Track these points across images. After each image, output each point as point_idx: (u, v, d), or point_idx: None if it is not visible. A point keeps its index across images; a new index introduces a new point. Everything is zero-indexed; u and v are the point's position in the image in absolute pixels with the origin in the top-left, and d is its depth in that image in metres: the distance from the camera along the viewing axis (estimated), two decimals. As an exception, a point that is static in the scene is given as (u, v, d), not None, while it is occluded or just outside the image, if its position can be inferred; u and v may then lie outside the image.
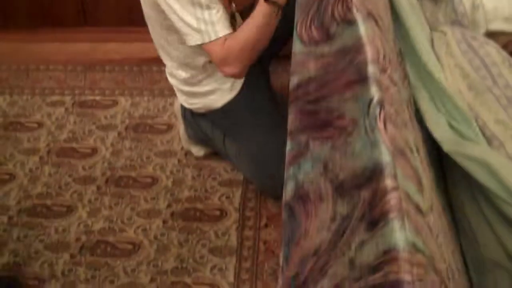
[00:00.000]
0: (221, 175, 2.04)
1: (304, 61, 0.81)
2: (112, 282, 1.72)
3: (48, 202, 1.98)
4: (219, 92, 1.86)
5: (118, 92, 2.44)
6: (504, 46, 1.49)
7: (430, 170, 1.10)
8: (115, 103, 2.38)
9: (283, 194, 0.68)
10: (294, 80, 0.79)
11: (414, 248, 0.54)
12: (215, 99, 1.87)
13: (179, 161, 2.10)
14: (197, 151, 2.10)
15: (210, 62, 1.77)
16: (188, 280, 1.72)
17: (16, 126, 2.29)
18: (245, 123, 1.86)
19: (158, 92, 2.42)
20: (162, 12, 1.64)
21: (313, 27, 0.84)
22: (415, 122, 1.10)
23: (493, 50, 1.49)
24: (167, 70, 1.95)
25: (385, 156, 0.61)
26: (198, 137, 2.04)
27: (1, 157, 2.15)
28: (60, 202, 1.98)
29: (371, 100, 0.68)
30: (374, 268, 0.52)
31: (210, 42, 1.59)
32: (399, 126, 0.71)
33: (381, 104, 0.68)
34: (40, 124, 2.30)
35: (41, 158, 2.15)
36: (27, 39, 2.66)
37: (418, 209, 0.62)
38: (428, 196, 0.71)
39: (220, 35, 1.58)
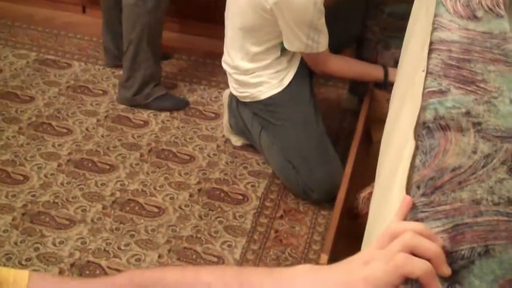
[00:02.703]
0: (252, 165, 2.19)
1: (446, 24, 0.93)
2: (132, 236, 1.91)
3: (95, 158, 2.20)
4: (267, 85, 2.04)
5: (180, 78, 2.66)
6: None
7: None
8: (174, 86, 2.59)
9: (420, 118, 0.75)
10: (437, 35, 0.91)
11: None
12: (262, 91, 2.04)
13: (217, 146, 2.28)
14: (236, 140, 2.27)
15: (275, 59, 1.98)
16: (199, 248, 1.88)
17: (83, 90, 2.54)
18: (282, 118, 2.02)
19: (215, 83, 2.62)
20: (271, 21, 1.86)
21: (459, 4, 0.98)
22: None
23: None
24: (227, 60, 2.13)
25: None
26: (238, 127, 2.21)
27: (64, 113, 2.40)
28: (105, 160, 2.19)
29: None
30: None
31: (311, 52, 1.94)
32: None
33: None
34: (104, 92, 2.54)
35: (98, 120, 2.38)
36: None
37: None
38: None
39: (320, 51, 1.93)
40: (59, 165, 2.16)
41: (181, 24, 2.90)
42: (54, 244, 1.87)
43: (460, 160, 0.67)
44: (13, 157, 2.18)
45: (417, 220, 0.60)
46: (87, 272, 1.79)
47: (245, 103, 2.14)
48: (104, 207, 2.00)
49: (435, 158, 0.67)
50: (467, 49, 0.86)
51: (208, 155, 2.24)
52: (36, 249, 1.85)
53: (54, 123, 2.35)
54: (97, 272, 1.79)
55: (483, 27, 0.91)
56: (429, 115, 0.73)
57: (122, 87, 2.44)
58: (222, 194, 2.08)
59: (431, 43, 0.87)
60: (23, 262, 1.81)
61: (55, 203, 2.01)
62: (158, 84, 2.45)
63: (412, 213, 0.61)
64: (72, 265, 1.81)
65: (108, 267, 1.81)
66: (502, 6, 0.95)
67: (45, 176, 2.11)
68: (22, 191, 2.05)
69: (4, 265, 1.79)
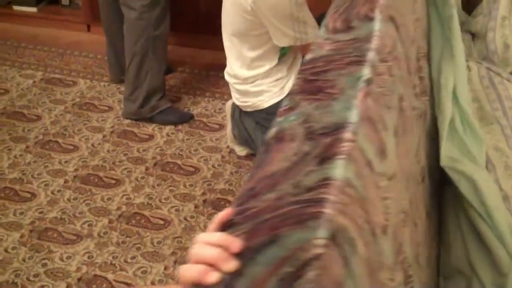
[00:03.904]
0: (257, 175, 2.20)
1: (323, 44, 0.95)
2: (138, 249, 1.92)
3: (101, 173, 2.22)
4: (268, 94, 2.05)
5: (183, 90, 2.68)
6: None
7: (426, 180, 1.23)
8: (178, 99, 2.61)
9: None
10: (308, 56, 0.92)
11: (347, 183, 0.67)
12: (263, 100, 2.06)
13: (222, 157, 2.29)
14: (240, 150, 2.28)
15: (273, 67, 1.99)
16: (204, 259, 1.88)
17: (89, 107, 2.57)
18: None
19: (219, 95, 2.63)
20: (255, 23, 1.87)
21: (339, 20, 0.99)
22: (422, 134, 1.22)
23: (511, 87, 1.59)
24: (228, 70, 2.15)
25: (354, 117, 0.75)
26: (242, 137, 2.22)
27: (70, 130, 2.43)
28: (111, 175, 2.21)
29: (361, 77, 0.83)
30: (311, 189, 0.65)
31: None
32: (381, 105, 0.85)
33: (368, 82, 0.83)
34: (110, 108, 2.57)
35: (104, 136, 2.40)
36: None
37: (369, 165, 0.75)
38: (390, 166, 0.83)
39: (310, 41, 1.91)
40: (66, 181, 2.18)
41: (183, 37, 2.93)
42: (62, 259, 1.88)
43: (281, 165, 0.69)
44: (21, 175, 2.21)
45: (224, 228, 0.63)
46: (94, 286, 1.80)
47: (247, 113, 2.15)
48: (110, 221, 2.02)
49: (261, 169, 0.69)
50: (330, 60, 0.88)
51: (213, 166, 2.25)
52: (44, 265, 1.87)
53: (60, 141, 2.38)
54: (104, 285, 1.80)
55: (352, 35, 0.93)
56: (271, 133, 0.75)
57: (127, 101, 2.46)
58: (227, 205, 2.08)
59: (301, 66, 0.90)
60: (31, 278, 1.82)
61: (62, 219, 2.03)
62: (163, 96, 2.47)
63: (228, 223, 0.64)
64: (79, 279, 1.82)
65: (115, 280, 1.82)
66: (376, 10, 0.96)
67: (52, 192, 2.13)
68: (30, 208, 2.07)
69: (13, 282, 1.81)
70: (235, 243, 0.60)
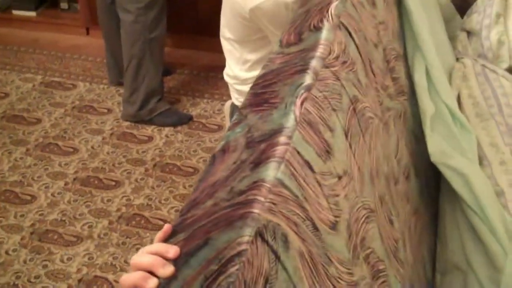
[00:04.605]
0: (256, 175, 2.21)
1: (275, 58, 0.97)
2: (138, 249, 1.92)
3: (101, 175, 2.23)
4: None
5: (182, 92, 2.69)
6: None
7: (412, 177, 1.23)
8: (177, 100, 2.63)
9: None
10: (261, 72, 0.95)
11: (280, 183, 0.70)
12: None
13: (221, 157, 2.30)
14: (239, 151, 2.29)
15: None
16: (204, 259, 1.89)
17: (89, 110, 2.59)
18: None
19: (218, 96, 2.64)
20: (254, 28, 1.88)
21: (293, 34, 1.01)
22: (403, 133, 1.23)
23: (507, 83, 1.59)
24: (227, 71, 2.16)
25: (289, 122, 0.78)
26: (240, 138, 2.23)
27: (70, 133, 2.44)
28: (111, 177, 2.22)
29: (300, 84, 0.86)
30: (243, 192, 0.68)
31: None
32: (323, 108, 0.86)
33: (308, 88, 0.85)
34: (109, 110, 2.58)
35: (103, 138, 2.42)
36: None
37: (308, 165, 0.77)
38: (338, 164, 0.84)
39: None
40: (66, 183, 2.20)
41: (182, 39, 2.94)
42: (62, 261, 1.89)
43: (222, 174, 0.71)
44: (21, 178, 2.22)
45: (168, 236, 0.65)
46: (95, 287, 1.81)
47: (245, 113, 2.16)
48: (110, 223, 2.03)
49: (205, 181, 0.72)
50: (279, 73, 0.90)
51: (212, 167, 2.26)
52: (45, 266, 1.88)
53: (60, 143, 2.39)
54: (105, 286, 1.81)
55: (301, 46, 0.94)
56: (218, 146, 0.77)
57: (126, 103, 2.48)
58: (227, 204, 2.09)
59: (254, 81, 0.92)
60: (32, 280, 1.83)
61: (63, 221, 2.04)
62: (162, 98, 2.48)
63: (170, 235, 0.66)
64: (79, 280, 1.83)
65: (115, 281, 1.83)
66: (324, 21, 0.98)
67: (52, 195, 2.14)
68: (30, 210, 2.08)
69: (14, 284, 1.82)
70: (171, 249, 0.62)
